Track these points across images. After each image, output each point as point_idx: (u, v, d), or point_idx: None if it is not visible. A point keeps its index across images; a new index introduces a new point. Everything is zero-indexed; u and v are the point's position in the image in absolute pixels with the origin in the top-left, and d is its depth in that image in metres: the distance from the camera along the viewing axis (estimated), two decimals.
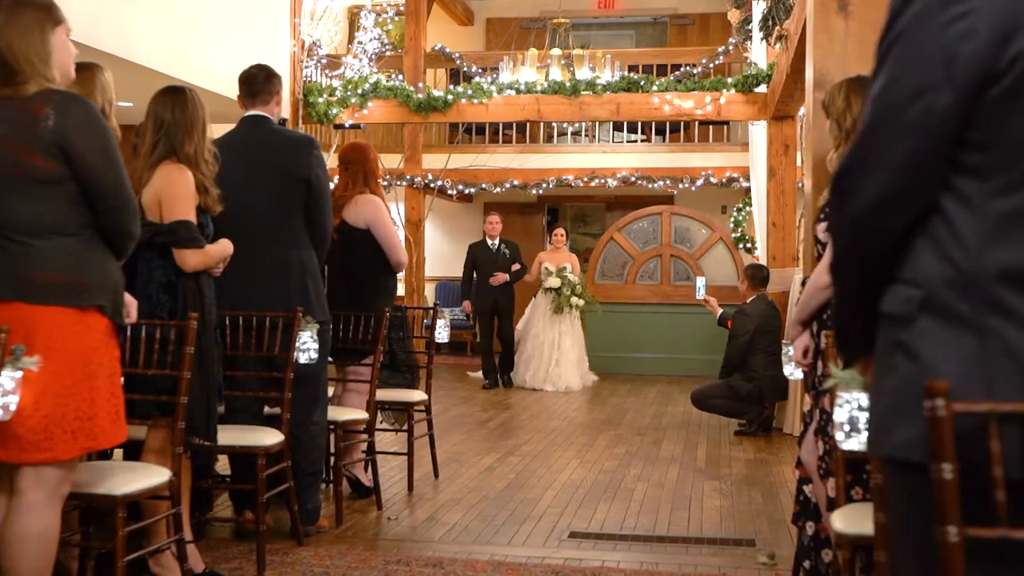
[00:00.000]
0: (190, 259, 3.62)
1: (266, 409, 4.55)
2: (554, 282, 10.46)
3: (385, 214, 5.33)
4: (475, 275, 10.56)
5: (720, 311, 8.28)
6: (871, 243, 1.45)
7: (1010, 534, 1.26)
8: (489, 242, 10.57)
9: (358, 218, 5.25)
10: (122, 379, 3.05)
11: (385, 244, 5.28)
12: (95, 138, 2.84)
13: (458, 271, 15.05)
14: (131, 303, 3.14)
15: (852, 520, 2.75)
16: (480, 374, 10.84)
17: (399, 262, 5.35)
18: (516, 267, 10.50)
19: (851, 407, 2.47)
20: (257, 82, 4.51)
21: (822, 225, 3.37)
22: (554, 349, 10.45)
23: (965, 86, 1.35)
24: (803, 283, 3.77)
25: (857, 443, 2.49)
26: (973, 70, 1.35)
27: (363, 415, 5.04)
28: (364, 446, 5.23)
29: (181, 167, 3.65)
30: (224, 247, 3.79)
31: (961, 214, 1.39)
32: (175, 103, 3.70)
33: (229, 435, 3.97)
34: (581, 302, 10.55)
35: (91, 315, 2.86)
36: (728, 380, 7.61)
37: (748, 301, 7.78)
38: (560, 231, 10.94)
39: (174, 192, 3.61)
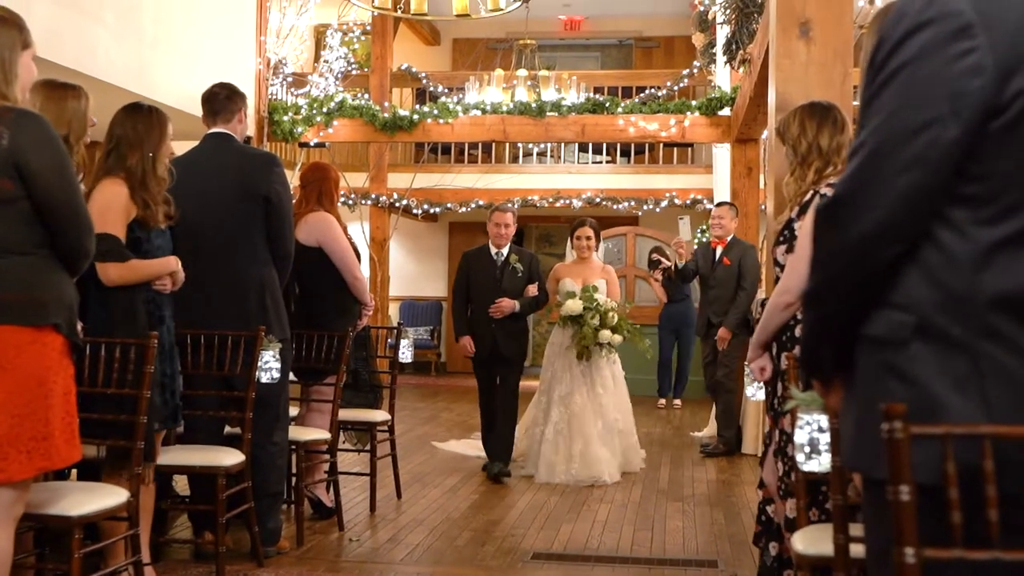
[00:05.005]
0: (109, 272, 3.60)
1: (227, 429, 4.51)
2: (574, 307, 6.56)
3: (337, 231, 5.19)
4: (469, 299, 6.64)
5: (684, 261, 8.00)
6: (863, 273, 1.46)
7: (966, 555, 1.27)
8: (493, 251, 6.65)
9: (309, 236, 5.12)
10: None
11: (339, 263, 5.15)
12: (50, 156, 2.82)
13: (423, 290, 15.18)
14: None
15: (812, 541, 2.76)
16: (449, 445, 7.87)
17: (355, 278, 5.19)
18: (531, 290, 6.60)
19: (811, 428, 2.49)
20: (217, 100, 4.50)
21: (781, 248, 3.41)
22: (597, 418, 6.64)
23: (970, 120, 1.37)
24: (762, 304, 3.80)
25: (817, 464, 2.51)
26: (979, 105, 1.37)
27: (325, 435, 5.00)
28: (326, 466, 5.19)
29: (114, 180, 3.67)
30: (162, 264, 3.75)
31: (952, 241, 1.41)
32: (129, 119, 3.76)
33: (188, 455, 3.93)
34: (617, 338, 6.58)
35: (47, 333, 2.82)
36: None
37: (730, 239, 7.70)
38: (587, 230, 6.86)
39: (100, 206, 3.61)
